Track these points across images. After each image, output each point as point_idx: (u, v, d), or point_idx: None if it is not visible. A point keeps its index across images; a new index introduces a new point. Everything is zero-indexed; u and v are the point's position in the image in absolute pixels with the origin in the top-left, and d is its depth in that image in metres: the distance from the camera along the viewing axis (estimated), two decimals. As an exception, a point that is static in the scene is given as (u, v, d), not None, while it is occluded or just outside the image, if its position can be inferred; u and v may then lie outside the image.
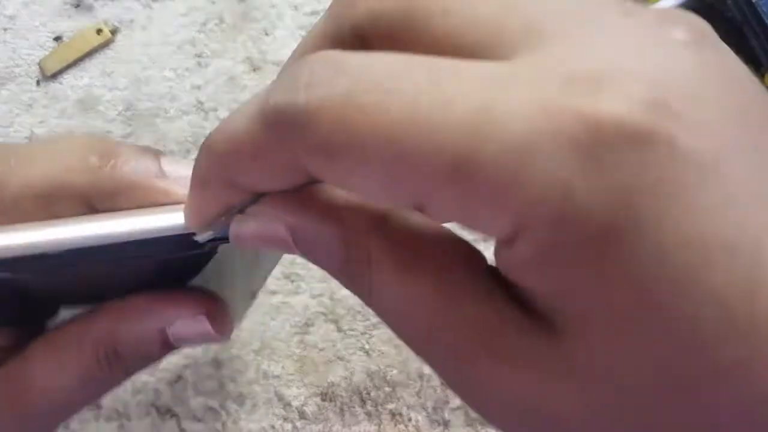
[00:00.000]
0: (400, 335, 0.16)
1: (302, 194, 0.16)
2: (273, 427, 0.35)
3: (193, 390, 0.35)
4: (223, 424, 0.35)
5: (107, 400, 0.35)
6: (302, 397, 0.35)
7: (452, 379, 0.15)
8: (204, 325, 0.22)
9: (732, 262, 0.12)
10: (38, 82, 0.37)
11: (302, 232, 0.16)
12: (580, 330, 0.13)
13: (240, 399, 0.36)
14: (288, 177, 0.15)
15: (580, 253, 0.13)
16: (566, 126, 0.12)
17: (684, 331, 0.12)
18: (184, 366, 0.36)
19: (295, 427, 0.35)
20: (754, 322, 0.12)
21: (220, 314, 0.22)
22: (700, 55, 0.14)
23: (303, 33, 0.37)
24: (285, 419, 0.35)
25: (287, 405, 0.35)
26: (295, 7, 0.37)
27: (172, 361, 0.35)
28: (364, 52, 0.14)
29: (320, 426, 0.35)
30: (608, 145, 0.12)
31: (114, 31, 0.37)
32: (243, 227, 0.17)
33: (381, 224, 0.16)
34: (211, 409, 0.35)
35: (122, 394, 0.35)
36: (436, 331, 0.15)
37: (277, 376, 0.36)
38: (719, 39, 0.15)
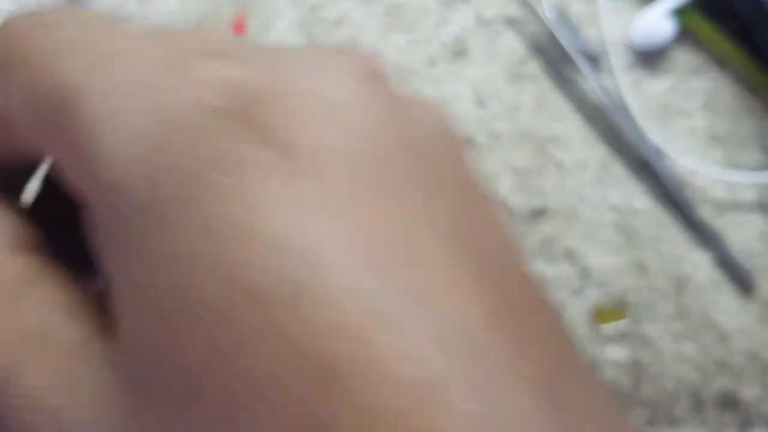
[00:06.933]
0: None
1: None
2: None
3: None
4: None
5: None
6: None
7: None
8: None
9: (278, 260, 0.11)
10: (31, 79, 0.37)
11: None
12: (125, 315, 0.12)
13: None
14: None
15: (128, 225, 0.12)
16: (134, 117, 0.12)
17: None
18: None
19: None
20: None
21: None
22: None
23: (302, 29, 0.36)
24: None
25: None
26: (294, 3, 0.37)
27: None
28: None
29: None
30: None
31: (108, 27, 0.37)
32: None
33: None
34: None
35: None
36: None
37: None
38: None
